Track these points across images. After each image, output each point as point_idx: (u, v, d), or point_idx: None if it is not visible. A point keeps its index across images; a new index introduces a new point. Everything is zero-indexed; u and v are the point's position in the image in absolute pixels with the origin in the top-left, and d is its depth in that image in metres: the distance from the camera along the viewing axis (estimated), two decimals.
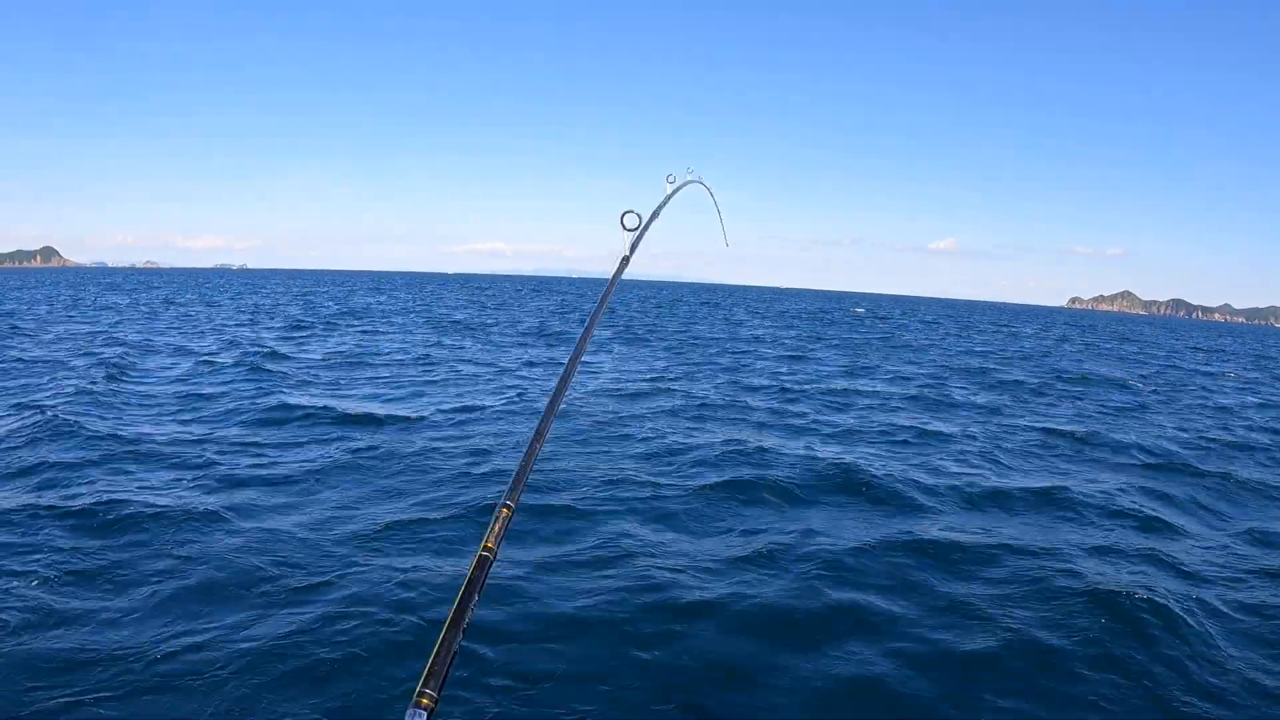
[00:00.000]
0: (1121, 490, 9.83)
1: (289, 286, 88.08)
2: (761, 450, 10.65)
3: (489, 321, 38.60)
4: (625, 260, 3.57)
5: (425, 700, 1.74)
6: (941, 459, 11.05)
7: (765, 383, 18.66)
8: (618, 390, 16.23)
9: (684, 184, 4.53)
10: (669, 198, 4.21)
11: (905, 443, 12.12)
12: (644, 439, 11.33)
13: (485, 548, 2.03)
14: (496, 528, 2.09)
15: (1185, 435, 14.44)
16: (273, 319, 35.15)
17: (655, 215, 4.01)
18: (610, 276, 3.60)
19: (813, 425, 13.23)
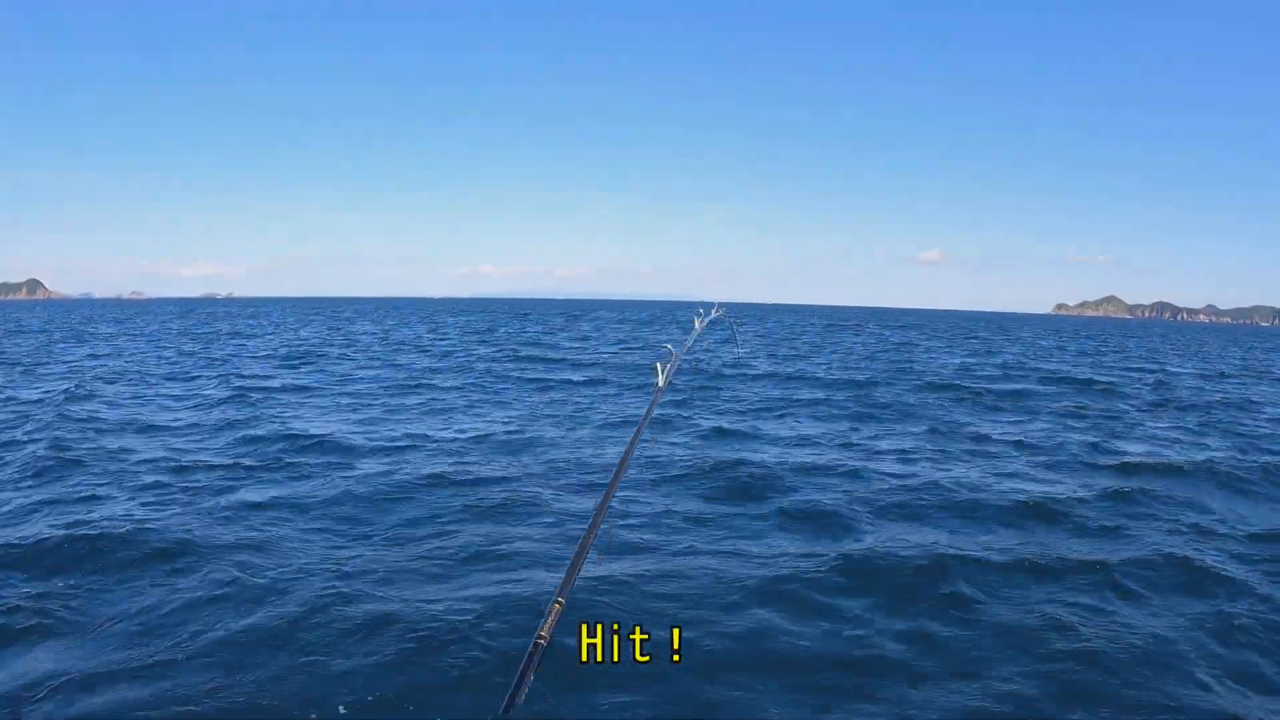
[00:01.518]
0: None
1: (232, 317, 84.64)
2: None
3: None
4: (660, 391, 3.91)
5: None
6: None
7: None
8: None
9: (711, 319, 5.01)
10: (700, 333, 4.75)
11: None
12: None
13: (540, 637, 2.12)
14: (550, 619, 2.19)
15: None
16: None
17: (690, 345, 4.49)
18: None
19: None
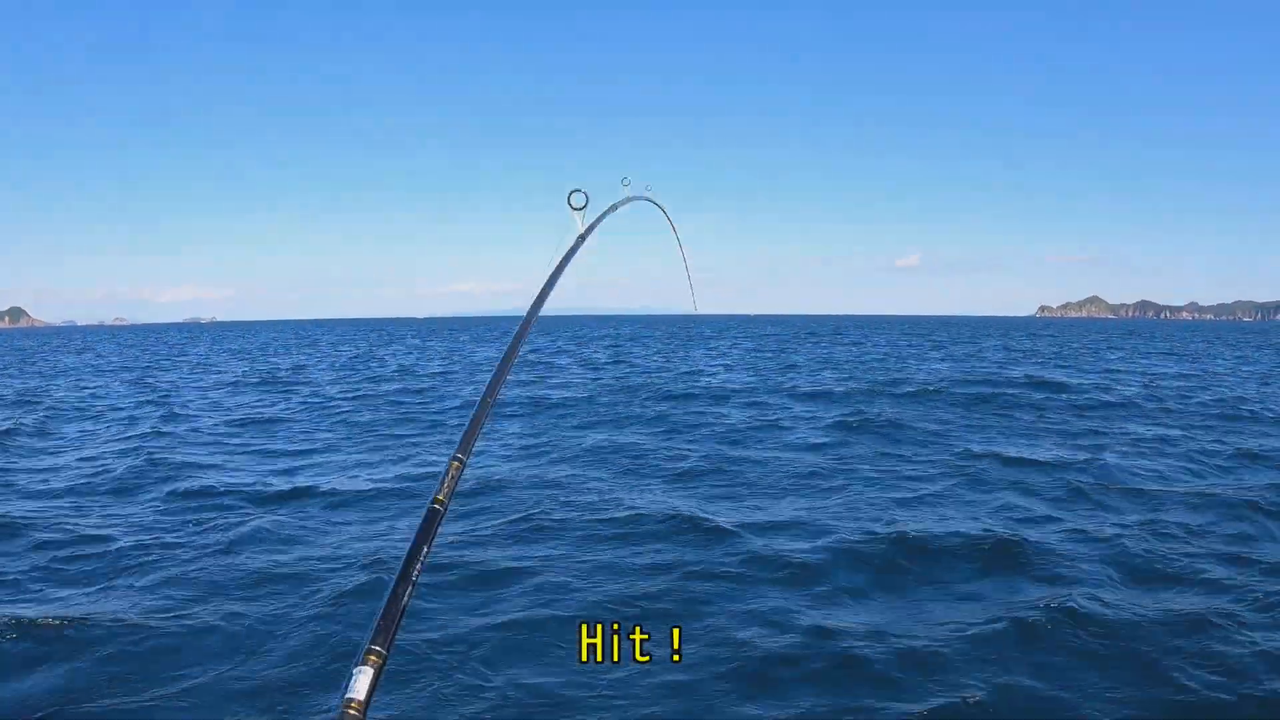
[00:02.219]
0: None
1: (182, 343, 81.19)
2: None
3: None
4: (581, 239, 3.47)
5: (373, 657, 1.69)
6: None
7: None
8: None
9: (638, 198, 4.43)
10: (622, 202, 4.07)
11: None
12: None
13: (436, 501, 2.02)
14: (447, 481, 2.08)
15: None
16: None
17: (603, 217, 3.85)
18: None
19: None
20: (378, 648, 1.70)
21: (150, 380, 30.61)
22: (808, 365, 34.40)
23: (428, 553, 1.89)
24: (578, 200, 3.45)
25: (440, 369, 35.35)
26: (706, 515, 9.08)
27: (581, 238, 3.51)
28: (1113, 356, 41.79)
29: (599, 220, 3.73)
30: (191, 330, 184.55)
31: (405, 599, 1.81)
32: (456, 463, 2.16)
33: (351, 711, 1.62)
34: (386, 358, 45.22)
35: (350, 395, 23.77)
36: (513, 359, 2.72)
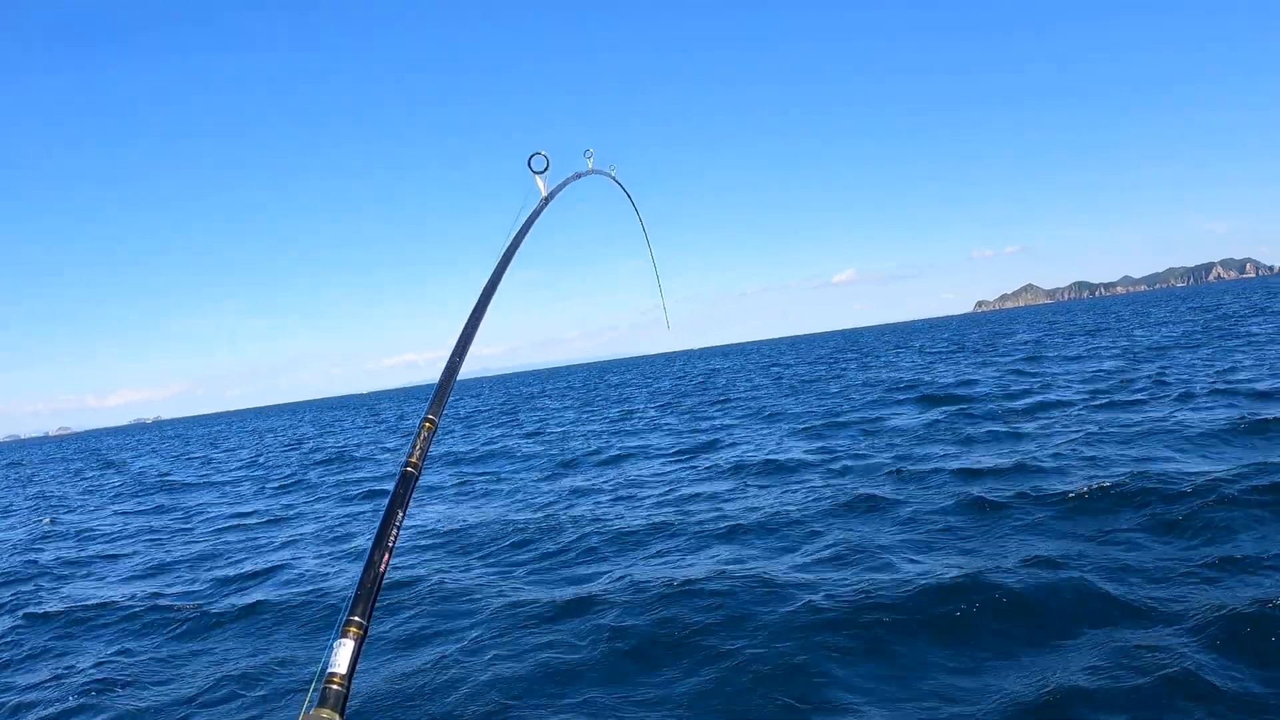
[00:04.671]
0: None
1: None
2: None
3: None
4: (545, 202, 3.32)
5: (353, 628, 1.66)
6: None
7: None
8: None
9: (601, 173, 4.36)
10: (587, 173, 4.06)
11: None
12: None
13: (409, 464, 2.01)
14: (419, 443, 2.06)
15: None
16: None
17: (566, 183, 3.73)
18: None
19: None
20: (357, 618, 1.67)
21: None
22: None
23: (403, 517, 1.87)
24: (538, 163, 3.36)
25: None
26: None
27: (545, 200, 3.38)
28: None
29: (563, 186, 3.62)
30: (134, 432, 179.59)
31: (383, 566, 1.77)
32: (429, 423, 2.13)
33: (334, 685, 1.58)
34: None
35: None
36: (481, 316, 2.64)
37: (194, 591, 9.82)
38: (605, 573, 8.28)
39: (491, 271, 2.86)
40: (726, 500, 11.14)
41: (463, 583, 8.47)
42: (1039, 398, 17.61)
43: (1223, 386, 15.53)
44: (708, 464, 14.72)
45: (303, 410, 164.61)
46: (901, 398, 21.61)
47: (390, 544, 1.81)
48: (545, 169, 3.38)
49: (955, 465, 11.21)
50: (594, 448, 19.60)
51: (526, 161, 3.32)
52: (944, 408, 18.08)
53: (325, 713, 1.54)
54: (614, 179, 4.64)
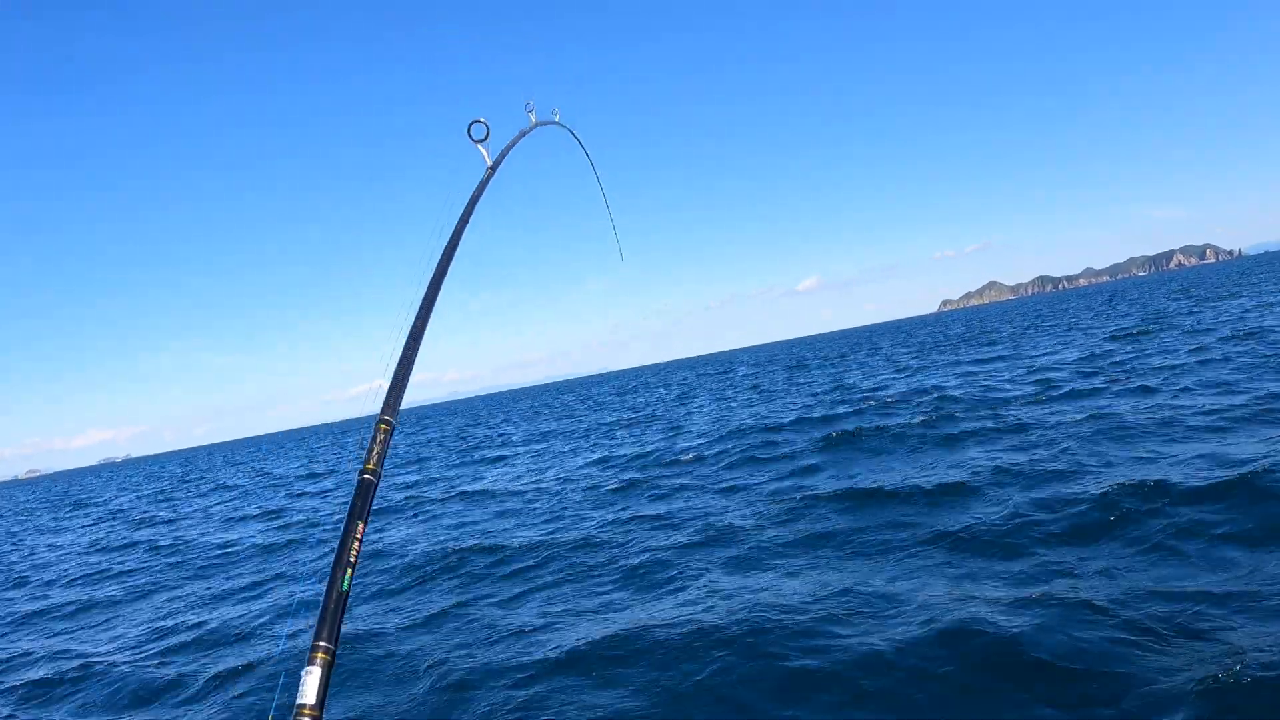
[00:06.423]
0: None
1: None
2: None
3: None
4: (491, 171, 3.05)
5: (320, 654, 1.58)
6: None
7: None
8: None
9: (548, 123, 4.02)
10: (530, 128, 3.66)
11: None
12: None
13: (366, 470, 1.89)
14: (376, 447, 1.94)
15: None
16: None
17: (512, 145, 3.44)
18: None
19: None
20: (323, 643, 1.60)
21: None
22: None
23: (363, 529, 1.76)
24: (478, 131, 3.08)
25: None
26: None
27: (491, 169, 3.10)
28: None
29: (508, 149, 3.34)
30: (103, 471, 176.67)
31: (345, 584, 1.67)
32: (384, 425, 1.99)
33: (305, 717, 1.52)
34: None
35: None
36: (433, 303, 2.43)
37: None
38: None
39: (440, 254, 2.61)
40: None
41: None
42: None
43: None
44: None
45: (282, 440, 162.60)
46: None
47: (353, 559, 1.72)
48: (486, 136, 3.11)
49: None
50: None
51: (465, 130, 3.05)
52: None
53: None
54: (561, 124, 4.36)
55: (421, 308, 2.41)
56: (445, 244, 2.67)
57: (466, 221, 2.80)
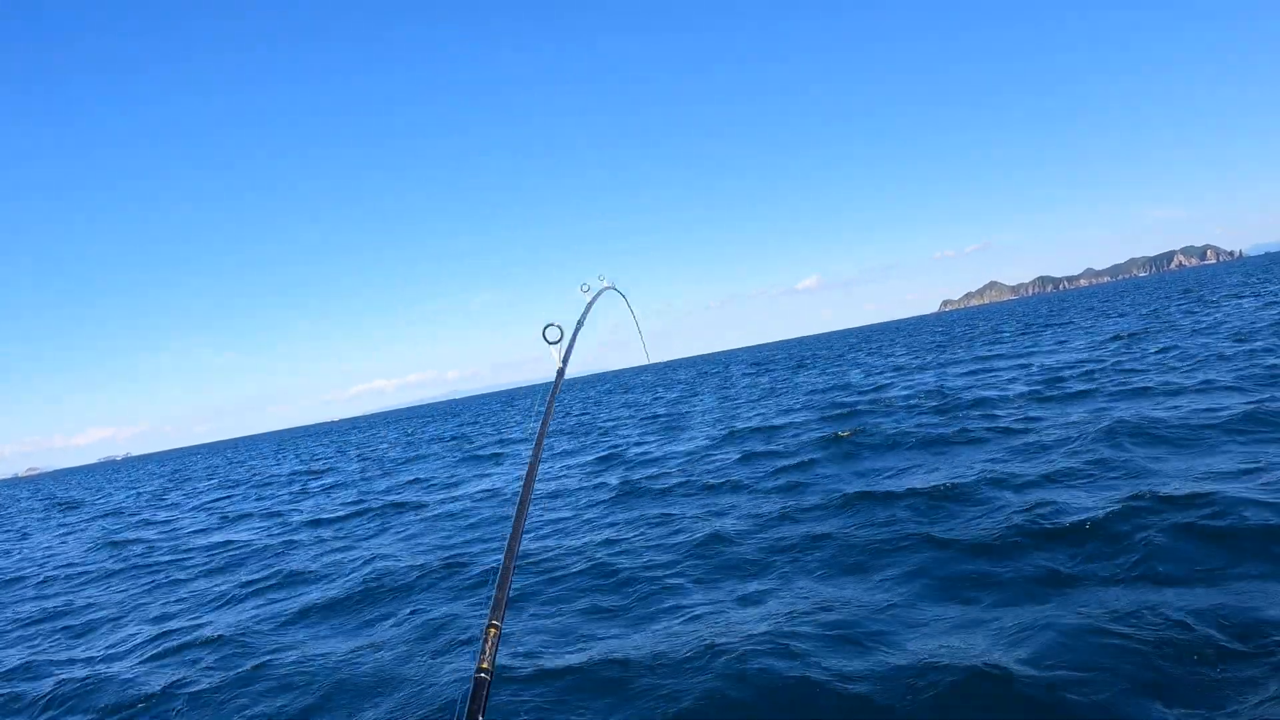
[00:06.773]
0: None
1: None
2: None
3: None
4: (560, 373, 3.48)
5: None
6: None
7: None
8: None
9: (600, 291, 4.41)
10: (589, 306, 4.12)
11: None
12: None
13: (481, 669, 2.01)
14: (488, 648, 2.06)
15: None
16: None
17: (580, 325, 3.92)
18: (550, 382, 3.70)
19: None
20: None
21: None
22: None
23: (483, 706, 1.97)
24: (552, 334, 3.35)
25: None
26: None
27: (561, 369, 3.49)
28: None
29: (570, 347, 3.64)
30: (105, 470, 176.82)
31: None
32: (494, 628, 2.13)
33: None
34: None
35: None
36: (524, 514, 2.57)
37: None
38: None
39: (533, 443, 2.98)
40: None
41: None
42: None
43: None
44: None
45: (271, 440, 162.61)
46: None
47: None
48: (560, 338, 3.44)
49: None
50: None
51: (541, 333, 3.38)
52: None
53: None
54: (612, 288, 4.74)
55: (522, 492, 2.71)
56: (535, 437, 2.99)
57: (548, 420, 3.19)
